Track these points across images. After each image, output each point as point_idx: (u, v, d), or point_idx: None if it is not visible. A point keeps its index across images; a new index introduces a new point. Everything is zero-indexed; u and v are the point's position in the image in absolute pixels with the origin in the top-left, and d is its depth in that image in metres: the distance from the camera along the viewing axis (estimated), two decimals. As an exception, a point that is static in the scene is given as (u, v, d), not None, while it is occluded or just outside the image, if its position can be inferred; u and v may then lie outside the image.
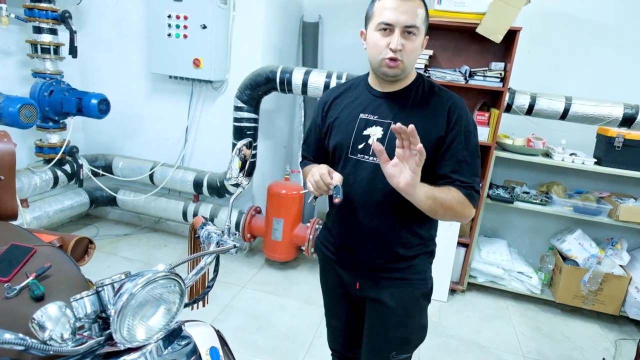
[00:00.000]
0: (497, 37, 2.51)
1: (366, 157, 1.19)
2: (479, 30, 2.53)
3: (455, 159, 1.13)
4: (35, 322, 0.76)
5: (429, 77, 1.20)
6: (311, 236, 2.87)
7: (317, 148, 1.38)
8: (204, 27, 2.76)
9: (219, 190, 3.02)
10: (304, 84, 2.70)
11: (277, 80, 2.71)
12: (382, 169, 1.05)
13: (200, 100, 3.17)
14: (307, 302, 2.71)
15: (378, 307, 1.28)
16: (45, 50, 2.76)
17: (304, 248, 2.94)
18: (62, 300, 0.81)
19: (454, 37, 2.90)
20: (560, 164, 2.76)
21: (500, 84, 2.64)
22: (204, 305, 1.28)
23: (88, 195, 3.32)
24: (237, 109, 2.83)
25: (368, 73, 1.28)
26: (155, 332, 0.84)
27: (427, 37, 1.19)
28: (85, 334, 0.85)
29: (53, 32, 2.78)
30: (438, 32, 2.85)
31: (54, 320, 0.77)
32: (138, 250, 3.19)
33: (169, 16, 2.81)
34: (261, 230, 3.05)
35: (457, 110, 1.16)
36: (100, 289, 0.85)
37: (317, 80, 2.68)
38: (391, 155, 1.04)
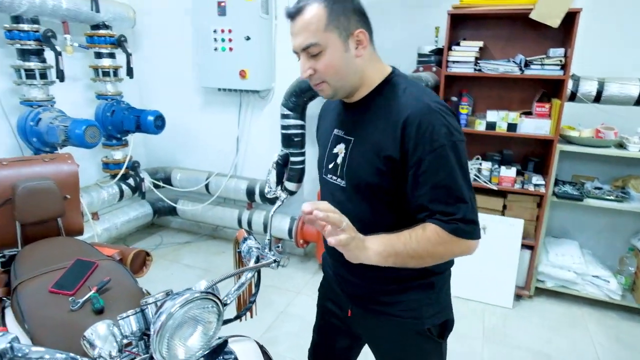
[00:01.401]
0: (555, 22, 2.31)
1: (333, 177, 1.06)
2: (532, 15, 2.35)
3: (429, 185, 0.91)
4: (86, 339, 0.79)
5: (395, 77, 1.04)
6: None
7: None
8: (248, 38, 2.81)
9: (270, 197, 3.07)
10: (349, 87, 2.65)
11: (322, 85, 2.69)
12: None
13: (249, 110, 3.24)
14: (362, 308, 2.67)
15: (373, 342, 1.20)
16: (106, 74, 2.96)
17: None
18: (120, 313, 0.85)
19: (507, 25, 2.72)
20: (637, 155, 2.48)
21: (561, 72, 2.43)
22: (251, 317, 1.29)
23: (151, 206, 3.52)
24: (283, 116, 2.85)
25: None
26: (195, 352, 0.85)
27: (361, 30, 0.95)
28: (134, 350, 0.88)
29: (111, 56, 2.97)
30: (488, 21, 2.69)
31: (103, 339, 0.80)
32: (199, 257, 3.32)
33: (215, 31, 2.90)
34: (313, 235, 3.05)
35: (416, 125, 0.90)
36: (144, 307, 0.87)
37: (361, 83, 2.62)
38: (354, 170, 0.99)
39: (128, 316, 0.85)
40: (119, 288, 1.30)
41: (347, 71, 0.96)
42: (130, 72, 2.99)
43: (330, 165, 1.07)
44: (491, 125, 2.66)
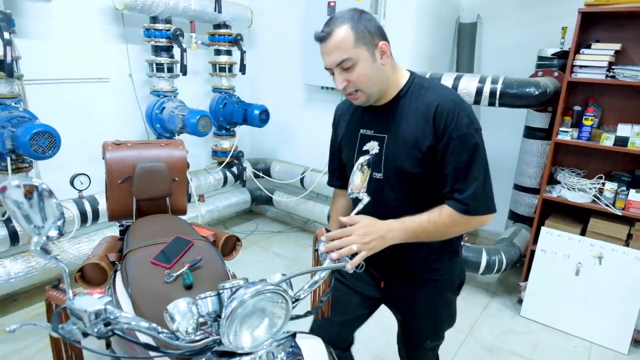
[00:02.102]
0: None
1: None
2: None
3: (453, 165, 1.09)
4: (168, 313, 0.86)
5: (415, 78, 1.19)
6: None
7: (339, 169, 1.39)
8: (354, 38, 2.82)
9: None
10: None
11: (425, 87, 2.59)
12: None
13: (349, 109, 3.25)
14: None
15: (407, 307, 1.35)
16: (222, 69, 3.23)
17: (446, 265, 2.74)
18: (205, 291, 0.91)
19: (654, 25, 2.32)
20: None
21: None
22: (324, 316, 1.29)
23: (250, 194, 3.76)
24: (382, 117, 2.81)
25: None
26: (260, 342, 0.87)
27: (384, 42, 1.09)
28: (207, 330, 0.94)
29: (228, 53, 3.23)
30: (628, 21, 2.32)
31: (182, 314, 0.86)
32: (288, 247, 3.45)
33: (323, 30, 2.96)
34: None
35: (445, 115, 1.08)
36: (221, 291, 0.92)
37: (468, 86, 2.47)
38: (391, 164, 1.15)
39: (206, 297, 0.91)
40: (208, 268, 1.40)
41: (377, 78, 1.11)
42: (243, 69, 3.21)
43: None
44: (622, 141, 2.30)
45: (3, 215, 2.30)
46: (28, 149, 1.98)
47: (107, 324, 0.79)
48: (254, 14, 3.43)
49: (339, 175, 1.42)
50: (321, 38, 1.08)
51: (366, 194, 1.12)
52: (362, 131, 1.23)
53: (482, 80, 2.43)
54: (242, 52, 3.15)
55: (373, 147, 1.19)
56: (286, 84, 3.58)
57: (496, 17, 3.18)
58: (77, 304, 0.77)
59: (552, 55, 2.65)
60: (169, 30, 2.76)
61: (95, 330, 0.78)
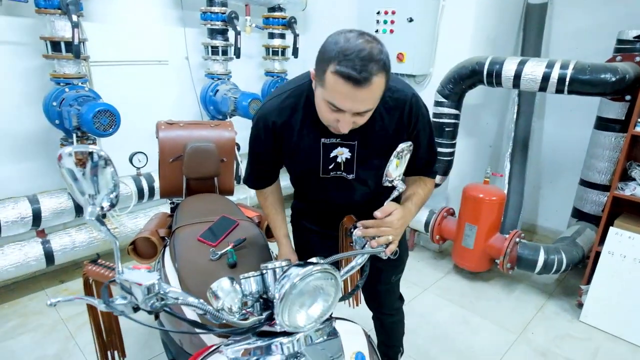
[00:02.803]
0: None
1: (338, 172, 1.22)
2: None
3: (424, 145, 1.24)
4: (212, 291, 0.87)
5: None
6: (509, 250, 2.51)
7: (273, 172, 1.36)
8: (411, 20, 2.70)
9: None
10: (517, 76, 2.34)
11: (485, 72, 2.44)
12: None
13: (402, 94, 3.14)
14: (497, 323, 2.40)
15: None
16: (275, 53, 3.23)
17: (498, 261, 2.60)
18: (248, 271, 0.92)
19: None
20: None
21: None
22: (355, 305, 1.28)
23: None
24: (437, 103, 2.69)
25: (308, 85, 1.12)
26: (314, 320, 0.88)
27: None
28: (249, 309, 0.94)
29: (282, 36, 3.22)
30: None
31: (226, 293, 0.86)
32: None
33: (378, 12, 2.86)
34: (451, 233, 2.85)
35: (415, 108, 1.17)
36: (265, 272, 0.92)
37: (533, 71, 2.28)
38: (364, 164, 1.20)
39: (249, 277, 0.90)
40: (252, 248, 1.41)
41: None
42: (295, 52, 3.19)
43: (331, 166, 1.21)
44: None
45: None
46: (91, 126, 2.10)
47: (159, 299, 0.80)
48: (308, -3, 3.39)
49: (268, 178, 1.38)
50: (357, 82, 0.91)
51: (401, 181, 1.09)
52: (324, 140, 1.17)
53: (550, 65, 2.24)
54: (296, 36, 3.12)
55: (342, 152, 1.19)
56: (338, 69, 3.51)
57: (569, -4, 2.91)
58: (127, 278, 0.78)
59: (634, 37, 2.38)
60: (225, 13, 2.79)
61: (149, 304, 0.78)
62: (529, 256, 2.49)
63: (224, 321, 0.86)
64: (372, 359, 1.02)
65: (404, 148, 1.04)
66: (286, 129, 1.18)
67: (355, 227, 1.11)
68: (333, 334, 0.97)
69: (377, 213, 1.06)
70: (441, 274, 2.89)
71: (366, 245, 1.07)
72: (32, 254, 2.35)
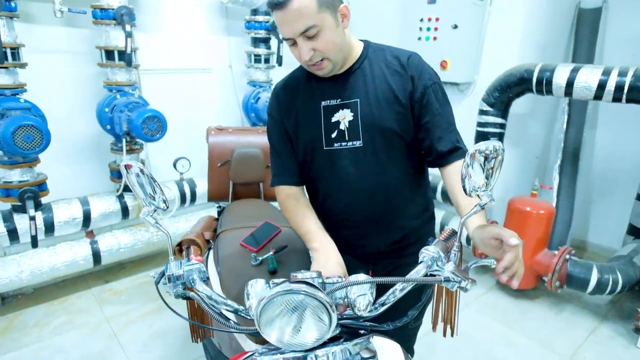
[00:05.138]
0: None
1: (343, 143, 1.14)
2: None
3: (442, 120, 1.12)
4: (247, 289, 0.87)
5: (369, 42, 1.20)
6: (558, 267, 2.38)
7: (294, 165, 1.23)
8: (455, 27, 2.65)
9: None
10: (569, 84, 2.23)
11: (534, 80, 2.34)
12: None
13: (444, 103, 3.07)
14: (543, 344, 2.27)
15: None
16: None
17: (546, 279, 2.47)
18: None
19: None
20: None
21: None
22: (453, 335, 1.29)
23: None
24: (481, 112, 2.60)
25: None
26: (305, 342, 0.80)
27: (344, 5, 1.05)
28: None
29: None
30: None
31: (257, 294, 0.86)
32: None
33: (421, 20, 2.82)
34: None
35: (415, 65, 1.11)
36: (293, 280, 0.90)
37: (588, 79, 2.16)
38: (370, 127, 1.10)
39: (279, 283, 0.89)
40: (293, 255, 1.40)
41: (343, 44, 1.07)
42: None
43: (334, 135, 1.14)
44: None
45: (117, 191, 2.57)
46: (140, 131, 2.18)
47: (187, 288, 0.92)
48: (350, 4, 3.39)
49: (291, 170, 1.24)
50: (279, 4, 0.97)
51: (485, 195, 0.83)
52: (324, 103, 1.14)
53: (607, 73, 2.12)
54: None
55: (344, 115, 1.13)
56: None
57: (627, 0, 2.76)
58: (171, 266, 0.92)
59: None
60: (269, 22, 2.84)
61: (174, 290, 0.91)
62: (581, 274, 2.34)
63: (250, 318, 0.85)
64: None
65: (494, 148, 0.78)
66: (286, 104, 1.21)
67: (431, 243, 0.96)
68: (370, 352, 0.92)
69: (513, 239, 0.86)
70: (483, 290, 2.78)
71: (426, 273, 0.93)
72: (81, 253, 2.45)
